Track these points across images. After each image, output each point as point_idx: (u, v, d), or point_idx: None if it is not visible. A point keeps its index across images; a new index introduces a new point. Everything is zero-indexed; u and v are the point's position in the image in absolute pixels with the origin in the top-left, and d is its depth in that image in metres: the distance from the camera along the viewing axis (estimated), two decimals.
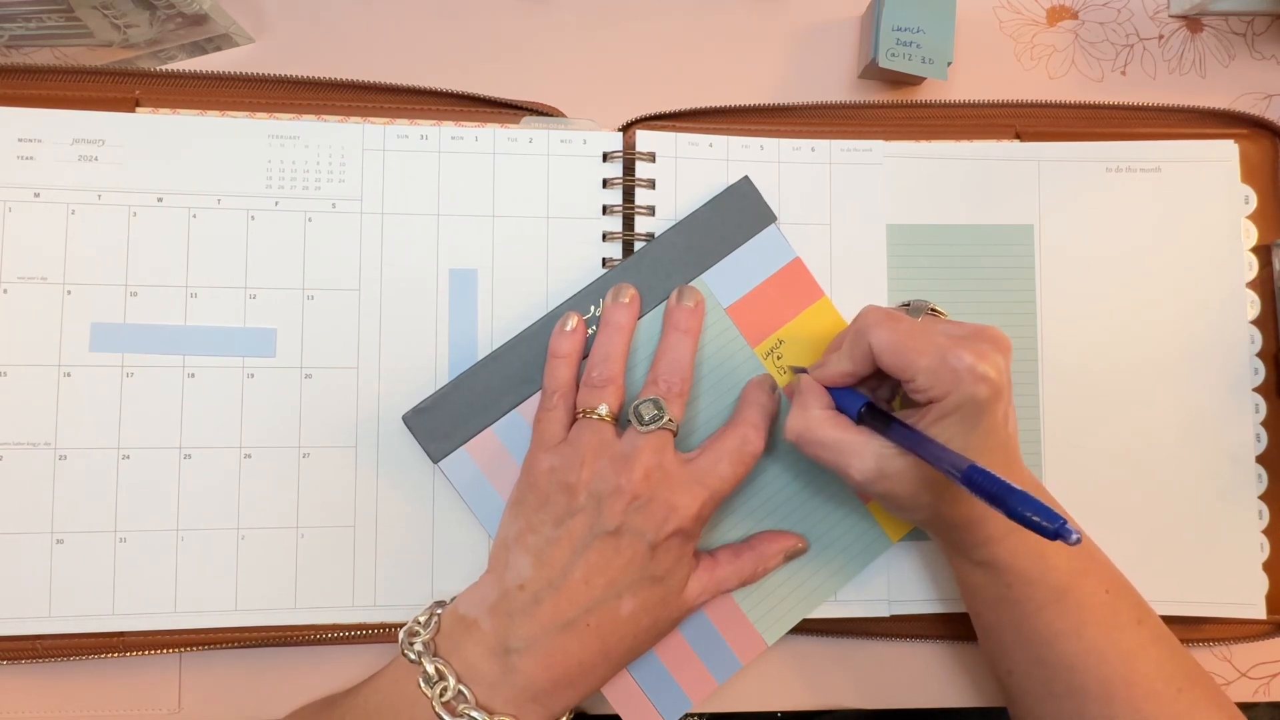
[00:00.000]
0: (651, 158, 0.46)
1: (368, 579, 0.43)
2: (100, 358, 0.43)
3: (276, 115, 0.45)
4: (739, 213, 0.45)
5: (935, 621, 0.46)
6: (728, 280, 0.45)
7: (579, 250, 0.45)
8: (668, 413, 0.41)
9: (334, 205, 0.44)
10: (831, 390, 0.41)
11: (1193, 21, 0.51)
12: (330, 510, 0.43)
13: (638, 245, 0.45)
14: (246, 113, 0.45)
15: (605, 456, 0.40)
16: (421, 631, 0.40)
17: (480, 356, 0.44)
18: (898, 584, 0.45)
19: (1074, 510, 0.43)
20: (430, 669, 0.38)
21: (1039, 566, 0.38)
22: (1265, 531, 0.46)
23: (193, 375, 0.43)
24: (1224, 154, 0.48)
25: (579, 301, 0.44)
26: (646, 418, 0.40)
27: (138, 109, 0.44)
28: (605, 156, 0.46)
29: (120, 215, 0.43)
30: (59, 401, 0.42)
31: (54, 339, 0.42)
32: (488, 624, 0.39)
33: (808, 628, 0.45)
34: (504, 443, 0.43)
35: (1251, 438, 0.47)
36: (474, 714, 0.37)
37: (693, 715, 0.46)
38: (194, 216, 0.44)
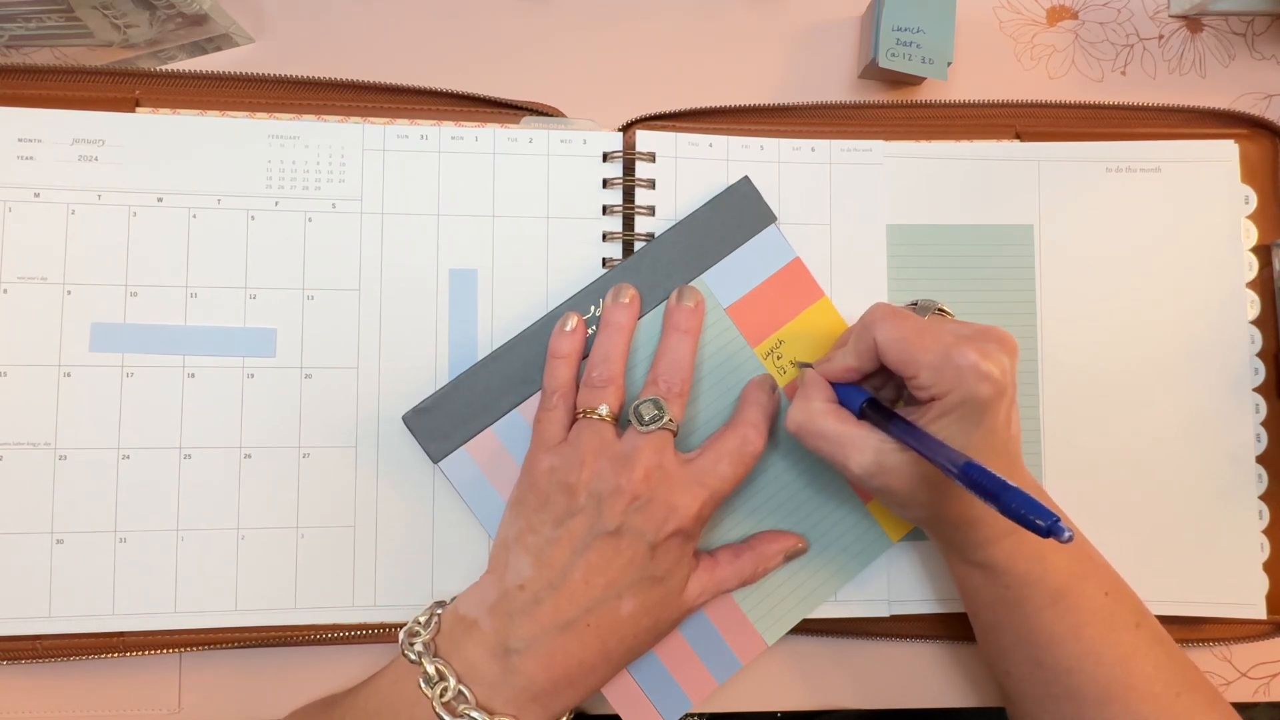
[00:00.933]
0: (651, 158, 0.46)
1: (368, 579, 0.43)
2: (100, 358, 0.43)
3: (276, 115, 0.45)
4: (739, 213, 0.45)
5: (935, 622, 0.46)
6: (728, 280, 0.45)
7: (579, 250, 0.45)
8: (668, 413, 0.40)
9: (334, 205, 0.44)
10: (835, 386, 0.41)
11: (1193, 22, 0.51)
12: (330, 510, 0.43)
13: (638, 245, 0.45)
14: (246, 113, 0.45)
15: (605, 457, 0.40)
16: (422, 632, 0.40)
17: (480, 356, 0.44)
18: (898, 584, 0.46)
19: (1074, 510, 0.43)
20: (431, 669, 0.38)
21: (1037, 568, 0.38)
22: (1265, 531, 0.46)
23: (193, 375, 0.43)
24: (1224, 154, 0.48)
25: (579, 301, 0.44)
26: (646, 418, 0.40)
27: (138, 109, 0.44)
28: (605, 156, 0.46)
29: (120, 215, 0.43)
30: (59, 402, 0.42)
31: (54, 339, 0.42)
32: (488, 624, 0.39)
33: (808, 628, 0.45)
34: (504, 443, 0.43)
35: (1251, 437, 0.47)
36: (474, 714, 0.37)
37: (692, 715, 0.46)
38: (194, 216, 0.44)
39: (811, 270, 0.46)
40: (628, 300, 0.43)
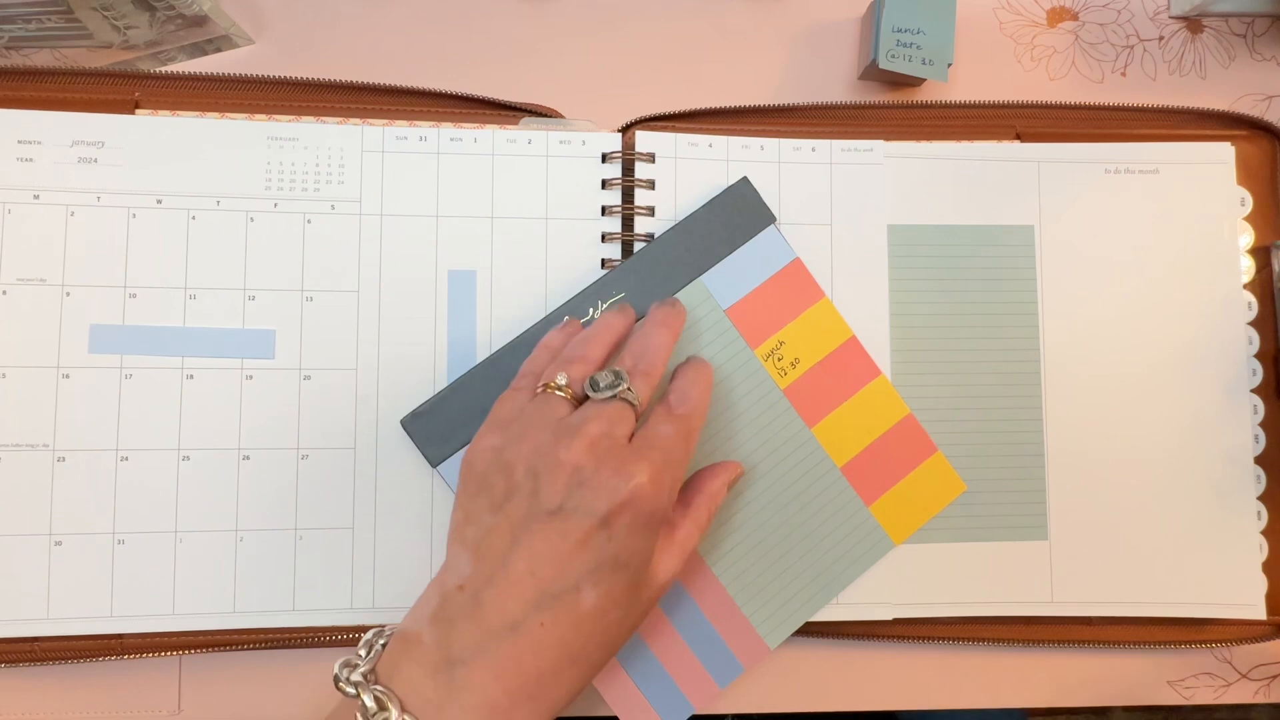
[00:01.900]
0: (651, 158, 0.46)
1: (366, 581, 0.43)
2: (99, 359, 0.43)
3: (276, 117, 0.45)
4: (738, 213, 0.45)
5: (939, 625, 0.46)
6: (727, 281, 0.45)
7: (578, 251, 0.45)
8: (627, 382, 0.36)
9: (333, 206, 0.44)
10: None
11: (1193, 23, 0.51)
12: (329, 512, 0.43)
13: (637, 246, 0.45)
14: (246, 114, 0.45)
15: (549, 429, 0.35)
16: (360, 661, 0.34)
17: (479, 358, 0.44)
18: (901, 587, 0.45)
19: (1074, 512, 0.43)
20: (369, 700, 0.32)
21: None
22: (1264, 532, 0.46)
23: (191, 377, 0.43)
24: (1220, 156, 0.48)
25: (578, 304, 0.44)
26: (603, 384, 0.36)
27: (137, 110, 0.44)
28: (604, 157, 0.46)
29: (119, 217, 0.43)
30: (57, 403, 0.42)
31: (53, 340, 0.42)
32: (429, 636, 0.34)
33: (810, 630, 0.45)
34: None
35: (1250, 439, 0.47)
36: None
37: (727, 716, 0.46)
38: (193, 218, 0.44)
39: (812, 271, 0.46)
40: (624, 312, 0.42)
